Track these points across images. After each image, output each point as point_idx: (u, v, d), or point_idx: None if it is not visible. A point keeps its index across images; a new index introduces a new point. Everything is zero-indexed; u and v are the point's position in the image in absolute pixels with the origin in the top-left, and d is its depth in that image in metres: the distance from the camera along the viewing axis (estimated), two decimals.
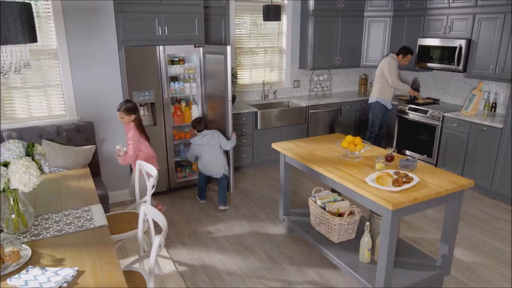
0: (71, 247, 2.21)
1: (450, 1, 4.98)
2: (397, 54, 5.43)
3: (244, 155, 5.39)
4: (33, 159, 2.31)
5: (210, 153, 4.32)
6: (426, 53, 5.35)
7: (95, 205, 2.73)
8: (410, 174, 2.85)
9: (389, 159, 3.12)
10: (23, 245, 2.16)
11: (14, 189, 2.24)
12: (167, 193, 4.79)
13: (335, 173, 2.97)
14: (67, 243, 2.25)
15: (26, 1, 2.15)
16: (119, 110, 3.68)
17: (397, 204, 2.46)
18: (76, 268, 1.98)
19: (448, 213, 2.89)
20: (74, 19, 3.97)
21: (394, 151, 3.18)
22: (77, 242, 2.26)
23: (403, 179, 2.74)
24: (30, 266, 2.01)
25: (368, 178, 2.80)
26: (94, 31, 4.08)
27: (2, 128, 3.81)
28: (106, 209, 3.71)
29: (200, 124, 4.39)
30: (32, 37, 2.16)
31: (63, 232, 2.36)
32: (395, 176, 2.78)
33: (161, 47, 4.27)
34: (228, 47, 4.17)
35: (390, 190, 2.64)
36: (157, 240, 2.11)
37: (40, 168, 2.32)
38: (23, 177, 2.18)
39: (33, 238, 2.29)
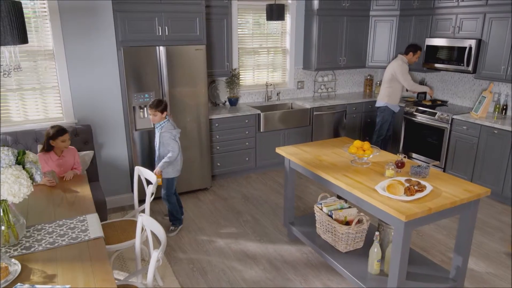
0: (63, 262, 2.07)
1: (460, 0, 4.83)
2: (407, 53, 5.25)
3: (247, 158, 5.25)
4: (24, 168, 2.17)
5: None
6: (434, 54, 5.20)
7: (91, 215, 2.59)
8: (423, 182, 2.70)
9: (399, 165, 2.97)
10: (13, 260, 2.03)
11: (3, 200, 2.11)
12: None
13: (343, 181, 2.82)
14: (59, 257, 2.12)
15: (16, 0, 2.01)
16: (63, 134, 3.24)
17: (410, 215, 2.32)
18: (68, 286, 1.85)
19: (463, 223, 2.74)
20: (71, 18, 3.83)
21: (404, 157, 3.04)
22: (70, 256, 2.13)
23: (416, 188, 2.59)
24: (19, 283, 1.88)
25: (378, 186, 2.66)
26: (92, 31, 3.94)
27: None
28: (104, 215, 3.58)
29: (165, 106, 3.60)
30: (22, 38, 2.02)
31: (56, 244, 2.23)
32: (407, 184, 2.64)
33: (161, 47, 4.13)
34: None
35: (402, 199, 2.49)
36: (155, 255, 1.97)
37: (31, 177, 2.19)
38: (12, 187, 2.04)
39: (24, 251, 2.16)
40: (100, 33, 3.98)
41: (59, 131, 3.23)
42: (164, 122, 3.61)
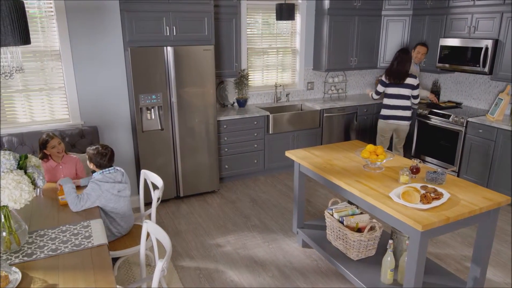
0: (65, 270, 2.00)
1: None
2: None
3: (255, 161, 5.15)
4: (25, 173, 2.11)
5: (128, 199, 2.88)
6: (448, 54, 5.05)
7: (95, 220, 2.52)
8: (439, 189, 2.58)
9: (414, 171, 2.86)
10: (13, 268, 1.96)
11: (4, 205, 2.04)
12: (175, 200, 4.58)
13: (356, 187, 2.72)
14: (61, 265, 2.05)
15: None
16: (49, 141, 3.10)
17: (427, 224, 2.21)
18: None
19: (481, 233, 2.62)
20: (77, 19, 3.77)
21: (420, 162, 2.92)
22: (73, 264, 2.06)
23: (432, 195, 2.48)
24: None
25: (393, 193, 2.54)
26: (99, 31, 3.88)
27: (2, 133, 3.64)
28: None
29: (105, 157, 2.74)
30: (24, 39, 1.95)
31: (59, 251, 2.16)
32: (423, 191, 2.52)
33: (169, 47, 4.06)
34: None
35: (418, 207, 2.38)
36: (159, 265, 1.89)
37: (33, 182, 2.12)
38: (13, 193, 1.98)
39: (25, 258, 2.09)
40: (107, 33, 3.92)
41: (46, 138, 3.11)
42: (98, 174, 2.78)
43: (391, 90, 4.71)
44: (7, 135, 3.63)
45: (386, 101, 4.79)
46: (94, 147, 2.76)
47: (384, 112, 4.84)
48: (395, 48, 5.74)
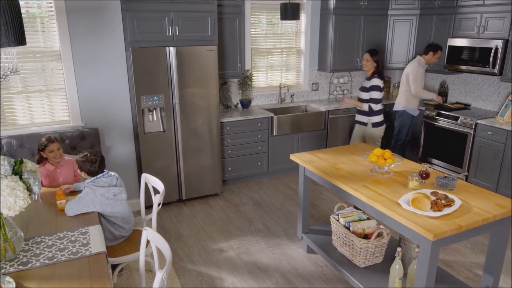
0: (61, 280, 1.93)
1: None
2: (426, 53, 5.02)
3: (259, 163, 5.07)
4: (21, 178, 2.03)
5: (125, 202, 2.79)
6: (456, 55, 4.94)
7: (94, 226, 2.45)
8: (450, 195, 2.49)
9: (424, 176, 2.76)
10: (7, 278, 1.88)
11: None
12: (177, 203, 4.50)
13: (363, 192, 2.62)
14: (57, 274, 1.97)
15: None
16: (48, 145, 3.04)
17: (438, 233, 2.11)
18: None
19: (494, 241, 2.52)
20: (78, 19, 3.70)
21: (429, 167, 2.82)
22: (69, 273, 1.98)
23: (443, 202, 2.38)
24: None
25: (402, 200, 2.45)
26: (100, 31, 3.81)
27: (2, 135, 3.57)
28: None
29: (95, 163, 2.64)
30: (18, 39, 1.88)
31: (55, 260, 2.09)
32: (433, 198, 2.42)
33: (171, 48, 3.98)
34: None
35: (429, 215, 2.28)
36: (159, 276, 1.81)
37: (29, 189, 2.05)
38: (7, 199, 1.90)
39: (20, 267, 2.02)
40: (108, 33, 3.85)
41: (46, 142, 3.03)
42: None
43: (381, 95, 4.63)
44: (6, 137, 3.56)
45: (380, 106, 4.71)
46: (82, 154, 2.67)
47: (381, 117, 4.74)
48: (402, 48, 5.65)
